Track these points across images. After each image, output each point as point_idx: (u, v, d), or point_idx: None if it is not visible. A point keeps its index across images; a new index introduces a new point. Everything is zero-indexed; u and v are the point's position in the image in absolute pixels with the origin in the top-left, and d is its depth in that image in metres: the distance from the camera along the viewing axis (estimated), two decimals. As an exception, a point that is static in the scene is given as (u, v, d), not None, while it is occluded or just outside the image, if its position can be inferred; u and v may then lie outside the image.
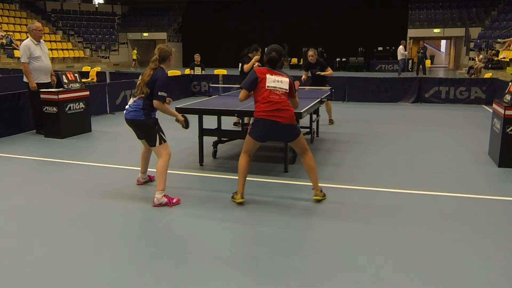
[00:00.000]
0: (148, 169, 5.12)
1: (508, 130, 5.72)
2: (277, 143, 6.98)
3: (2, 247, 3.56)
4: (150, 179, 5.17)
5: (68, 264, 3.28)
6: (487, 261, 3.33)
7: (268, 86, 4.35)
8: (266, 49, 4.62)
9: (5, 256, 3.41)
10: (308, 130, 7.26)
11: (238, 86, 9.22)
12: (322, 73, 8.95)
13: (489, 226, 3.98)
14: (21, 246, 3.59)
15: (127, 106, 4.60)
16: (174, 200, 4.47)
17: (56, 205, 4.50)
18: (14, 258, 3.38)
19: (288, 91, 4.42)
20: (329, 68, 9.07)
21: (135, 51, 33.13)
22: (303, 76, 9.28)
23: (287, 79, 4.43)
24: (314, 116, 7.48)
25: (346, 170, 5.78)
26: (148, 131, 4.55)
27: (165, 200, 4.42)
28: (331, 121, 9.27)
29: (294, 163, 5.95)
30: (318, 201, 4.52)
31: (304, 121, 6.64)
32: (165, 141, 4.55)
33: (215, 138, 6.43)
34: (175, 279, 3.09)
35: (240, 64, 8.26)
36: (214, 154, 6.31)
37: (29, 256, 3.41)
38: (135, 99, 4.53)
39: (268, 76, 4.39)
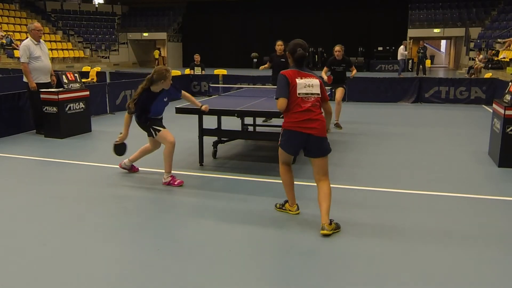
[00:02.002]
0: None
1: (508, 130, 5.72)
2: (277, 143, 6.98)
3: (3, 247, 3.56)
4: (131, 169, 5.59)
5: (69, 264, 3.28)
6: (487, 261, 3.33)
7: (299, 94, 3.81)
8: (288, 45, 4.05)
9: (6, 256, 3.41)
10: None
11: (238, 86, 9.25)
12: (352, 74, 8.69)
13: (489, 226, 3.98)
14: (22, 246, 3.59)
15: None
16: (177, 182, 5.05)
17: (56, 205, 4.50)
18: (15, 258, 3.38)
19: (320, 95, 3.88)
20: (354, 67, 8.75)
21: (157, 51, 33.44)
22: (323, 73, 8.59)
23: (317, 81, 3.88)
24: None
25: (346, 170, 5.78)
26: (143, 128, 5.18)
27: (169, 179, 5.07)
28: (338, 125, 8.70)
29: (294, 163, 5.94)
30: (326, 235, 3.71)
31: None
32: (159, 131, 5.05)
33: (215, 138, 6.43)
34: (175, 279, 3.09)
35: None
36: (214, 154, 6.31)
37: (31, 256, 3.41)
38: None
39: (298, 81, 3.83)
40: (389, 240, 3.68)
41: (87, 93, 8.30)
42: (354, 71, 8.82)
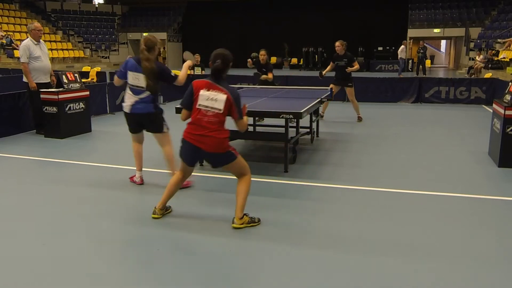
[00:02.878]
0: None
1: (508, 130, 5.72)
2: (278, 143, 6.99)
3: (3, 247, 3.57)
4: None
5: (69, 264, 3.28)
6: (487, 261, 3.34)
7: (199, 105, 3.77)
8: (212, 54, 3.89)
9: (5, 256, 3.42)
10: (308, 130, 7.26)
11: (238, 86, 9.25)
12: (350, 69, 8.91)
13: (489, 226, 3.98)
14: (21, 246, 3.59)
15: (130, 102, 4.80)
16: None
17: (56, 205, 4.50)
18: (14, 258, 3.39)
19: (222, 112, 3.75)
20: (356, 63, 8.98)
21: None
22: (328, 68, 9.25)
23: (223, 97, 3.73)
24: (314, 116, 7.48)
25: (346, 170, 5.78)
26: (158, 120, 4.92)
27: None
28: (359, 119, 9.44)
29: (294, 163, 5.95)
30: (236, 228, 3.87)
31: (304, 121, 6.64)
32: (168, 129, 4.97)
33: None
34: (175, 278, 3.09)
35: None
36: (214, 154, 6.29)
37: (30, 256, 3.42)
38: (142, 96, 4.75)
39: (202, 92, 3.76)
40: (389, 240, 3.68)
41: (87, 93, 8.30)
42: (354, 67, 9.02)
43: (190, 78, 15.43)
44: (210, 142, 3.77)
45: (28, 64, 7.53)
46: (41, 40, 7.81)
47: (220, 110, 3.74)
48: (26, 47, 7.53)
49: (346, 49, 9.12)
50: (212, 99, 3.74)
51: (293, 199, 4.67)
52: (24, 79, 7.68)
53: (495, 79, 12.52)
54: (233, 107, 3.78)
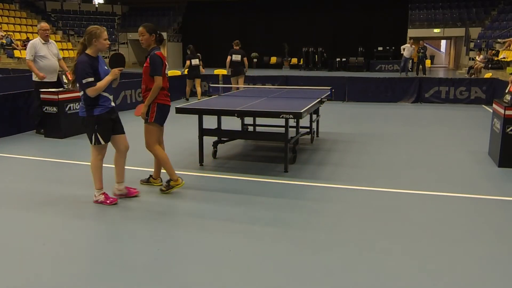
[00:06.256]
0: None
1: (508, 130, 5.72)
2: (277, 143, 6.99)
3: (3, 247, 3.57)
4: (127, 194, 4.72)
5: (69, 264, 3.28)
6: (488, 261, 3.34)
7: (166, 73, 4.75)
8: (147, 27, 4.69)
9: (5, 256, 3.42)
10: (308, 130, 7.26)
11: (238, 86, 9.28)
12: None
13: (489, 226, 3.99)
14: (21, 246, 3.59)
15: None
16: (109, 201, 4.51)
17: (56, 205, 4.50)
18: (14, 258, 3.39)
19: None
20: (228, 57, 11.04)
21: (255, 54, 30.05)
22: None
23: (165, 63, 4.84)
24: (314, 116, 7.48)
25: (346, 170, 5.79)
26: (86, 128, 4.52)
27: (102, 197, 4.52)
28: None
29: (294, 163, 5.95)
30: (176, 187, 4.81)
31: (304, 121, 6.65)
32: (99, 143, 4.49)
33: (215, 138, 6.43)
34: (174, 278, 3.09)
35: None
36: (214, 154, 6.31)
37: (30, 256, 3.42)
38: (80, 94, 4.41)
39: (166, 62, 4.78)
40: (389, 240, 3.68)
41: (87, 93, 8.30)
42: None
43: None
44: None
45: (34, 62, 7.62)
46: (51, 40, 7.98)
47: (167, 74, 4.87)
48: (32, 46, 7.64)
49: (239, 46, 11.59)
50: (166, 66, 4.78)
51: (293, 199, 4.67)
52: (33, 77, 7.76)
53: (495, 79, 12.52)
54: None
